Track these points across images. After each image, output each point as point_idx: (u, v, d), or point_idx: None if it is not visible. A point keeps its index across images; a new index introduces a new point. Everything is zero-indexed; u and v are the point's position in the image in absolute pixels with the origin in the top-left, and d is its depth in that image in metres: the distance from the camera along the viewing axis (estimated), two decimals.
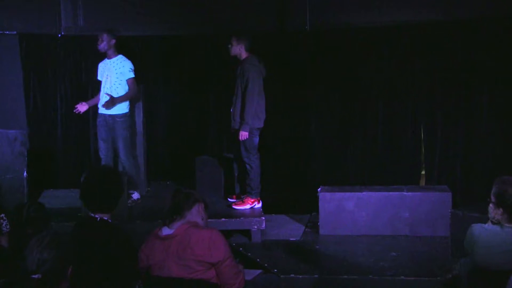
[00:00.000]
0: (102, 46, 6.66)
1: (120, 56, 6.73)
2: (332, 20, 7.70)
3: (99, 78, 6.85)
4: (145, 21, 7.99)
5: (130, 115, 6.83)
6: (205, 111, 8.11)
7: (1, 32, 7.76)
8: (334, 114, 7.78)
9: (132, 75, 6.72)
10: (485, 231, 3.75)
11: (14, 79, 7.84)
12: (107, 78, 6.72)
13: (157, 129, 8.15)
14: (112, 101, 6.60)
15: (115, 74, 6.68)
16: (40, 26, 7.89)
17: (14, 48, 7.80)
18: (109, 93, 6.65)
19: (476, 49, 7.07)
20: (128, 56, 7.73)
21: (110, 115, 6.70)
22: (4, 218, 4.23)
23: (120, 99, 6.67)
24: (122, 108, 6.72)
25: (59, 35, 7.93)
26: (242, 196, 6.73)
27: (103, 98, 6.71)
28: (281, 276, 5.25)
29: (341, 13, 7.65)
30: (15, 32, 7.79)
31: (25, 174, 6.53)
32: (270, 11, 7.95)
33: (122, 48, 8.04)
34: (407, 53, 7.42)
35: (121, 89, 6.68)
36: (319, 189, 6.68)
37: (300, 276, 5.35)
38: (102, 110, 6.73)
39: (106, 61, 6.76)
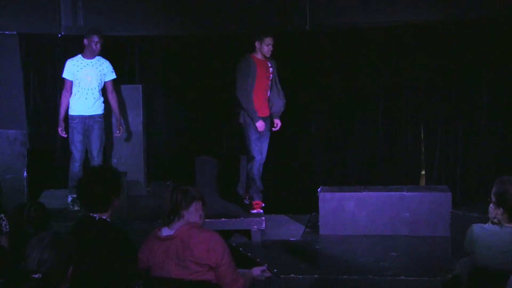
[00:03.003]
0: (100, 48, 6.62)
1: (99, 57, 6.67)
2: (332, 20, 7.71)
3: (69, 77, 6.58)
4: (145, 21, 7.99)
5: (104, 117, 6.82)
6: (205, 111, 8.10)
7: (1, 32, 7.75)
8: (334, 114, 7.78)
9: (115, 75, 6.76)
10: (485, 231, 3.75)
11: (14, 79, 7.84)
12: (90, 79, 6.59)
13: (157, 129, 8.15)
14: (121, 125, 6.87)
15: (98, 76, 6.63)
16: (40, 26, 7.89)
17: (14, 48, 7.80)
18: (91, 94, 6.60)
19: (476, 49, 7.07)
20: (128, 56, 7.76)
21: (89, 116, 6.63)
22: (4, 218, 4.22)
23: (119, 110, 6.85)
24: (101, 108, 6.72)
25: (59, 35, 7.93)
26: (246, 200, 6.77)
27: (85, 99, 6.59)
28: (281, 276, 5.25)
29: (341, 13, 7.66)
30: (15, 32, 7.79)
31: (25, 174, 6.52)
32: (270, 11, 7.95)
33: (122, 48, 8.07)
34: (407, 53, 7.43)
35: (100, 91, 6.68)
36: (319, 189, 6.68)
37: (300, 276, 5.35)
38: (80, 112, 6.59)
39: (84, 60, 6.60)
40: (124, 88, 7.35)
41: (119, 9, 7.99)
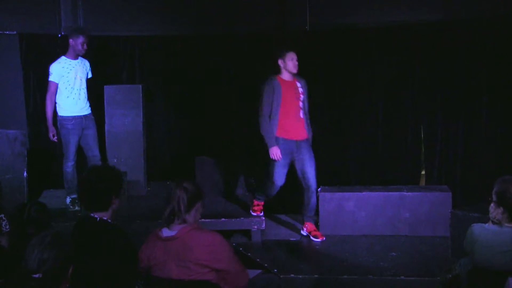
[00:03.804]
0: (86, 48, 6.63)
1: (80, 57, 6.69)
2: (332, 20, 7.71)
3: (56, 80, 6.52)
4: (145, 21, 7.98)
5: None
6: (205, 111, 8.10)
7: (1, 32, 7.75)
8: (334, 114, 7.78)
9: (91, 74, 6.80)
10: (485, 231, 3.76)
11: (14, 79, 7.83)
12: (80, 80, 6.61)
13: (157, 129, 8.15)
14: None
15: (85, 75, 6.68)
16: (40, 26, 7.89)
17: (14, 48, 7.79)
18: (83, 94, 6.63)
19: (476, 49, 7.07)
20: (128, 57, 7.73)
21: (84, 116, 6.67)
22: (4, 218, 4.22)
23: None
24: (90, 107, 6.77)
25: (59, 35, 7.93)
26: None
27: (79, 100, 6.59)
28: (281, 276, 5.25)
29: (341, 13, 7.66)
30: (15, 32, 7.79)
31: (25, 174, 6.52)
32: (270, 11, 7.95)
33: (122, 49, 8.07)
34: (407, 53, 7.43)
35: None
36: (319, 189, 6.68)
37: (300, 276, 5.36)
38: (75, 113, 6.60)
39: (72, 61, 6.57)
40: (124, 88, 7.35)
41: (119, 9, 7.98)
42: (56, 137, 6.61)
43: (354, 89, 7.69)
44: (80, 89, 6.61)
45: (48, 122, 6.59)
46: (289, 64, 6.11)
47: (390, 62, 7.52)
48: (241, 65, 7.98)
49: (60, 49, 7.88)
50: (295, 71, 6.14)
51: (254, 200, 6.48)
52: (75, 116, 6.60)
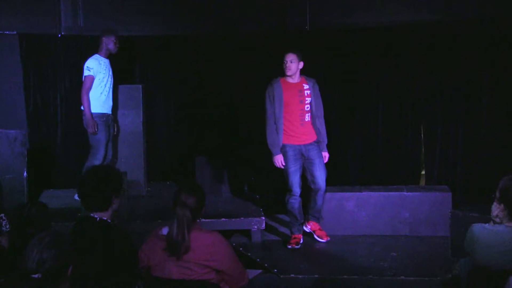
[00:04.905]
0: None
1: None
2: (332, 20, 7.70)
3: (95, 75, 6.59)
4: (145, 21, 7.98)
5: None
6: (205, 111, 8.10)
7: (1, 32, 7.75)
8: (334, 114, 7.77)
9: None
10: (486, 231, 3.75)
11: (14, 79, 7.83)
12: (111, 78, 6.76)
13: (157, 129, 8.14)
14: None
15: (112, 75, 6.78)
16: (40, 26, 7.88)
17: (14, 48, 7.79)
18: (111, 92, 6.77)
19: (476, 49, 7.07)
20: (128, 57, 7.74)
21: (110, 114, 6.82)
22: (4, 218, 4.23)
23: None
24: None
25: (59, 35, 7.92)
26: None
27: (110, 98, 6.74)
28: (281, 276, 5.25)
29: (341, 13, 7.66)
30: (15, 32, 7.78)
31: (25, 174, 6.53)
32: (270, 11, 7.95)
33: (122, 49, 8.08)
34: (407, 53, 7.43)
35: None
36: None
37: (300, 276, 5.36)
38: (105, 110, 6.73)
39: (106, 60, 6.73)
40: (124, 88, 7.35)
41: (119, 9, 7.97)
42: (97, 130, 6.58)
43: (354, 89, 7.68)
44: (110, 87, 6.74)
45: (87, 116, 6.52)
46: (283, 67, 6.07)
47: (390, 62, 7.52)
48: (241, 65, 7.97)
49: (60, 49, 7.91)
50: (288, 73, 6.05)
51: (292, 235, 6.29)
52: (104, 114, 6.70)
